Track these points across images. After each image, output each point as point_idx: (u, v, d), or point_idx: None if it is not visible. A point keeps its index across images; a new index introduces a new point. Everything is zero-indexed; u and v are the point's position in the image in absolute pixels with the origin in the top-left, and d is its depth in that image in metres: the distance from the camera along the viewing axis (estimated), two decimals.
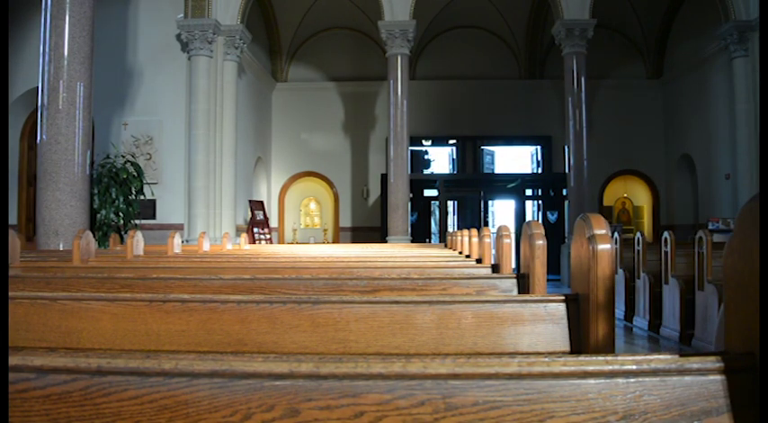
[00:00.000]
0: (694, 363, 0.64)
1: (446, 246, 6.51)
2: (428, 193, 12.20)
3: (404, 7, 9.40)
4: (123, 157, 8.15)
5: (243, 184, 10.13)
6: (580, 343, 1.30)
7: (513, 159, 13.42)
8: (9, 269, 2.32)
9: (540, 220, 11.32)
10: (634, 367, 0.64)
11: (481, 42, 12.56)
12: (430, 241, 12.02)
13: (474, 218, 11.89)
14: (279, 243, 11.65)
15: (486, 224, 11.94)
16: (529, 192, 12.63)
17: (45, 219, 5.85)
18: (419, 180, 11.67)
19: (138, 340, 1.38)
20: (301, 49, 12.56)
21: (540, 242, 1.70)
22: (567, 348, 1.32)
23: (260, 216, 10.36)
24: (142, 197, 8.02)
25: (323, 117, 12.33)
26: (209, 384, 0.65)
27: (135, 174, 7.97)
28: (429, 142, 12.61)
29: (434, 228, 12.73)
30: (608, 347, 1.19)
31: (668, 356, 0.65)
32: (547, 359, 0.65)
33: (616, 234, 6.57)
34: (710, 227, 8.57)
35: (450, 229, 11.59)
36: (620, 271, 6.39)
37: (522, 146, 13.09)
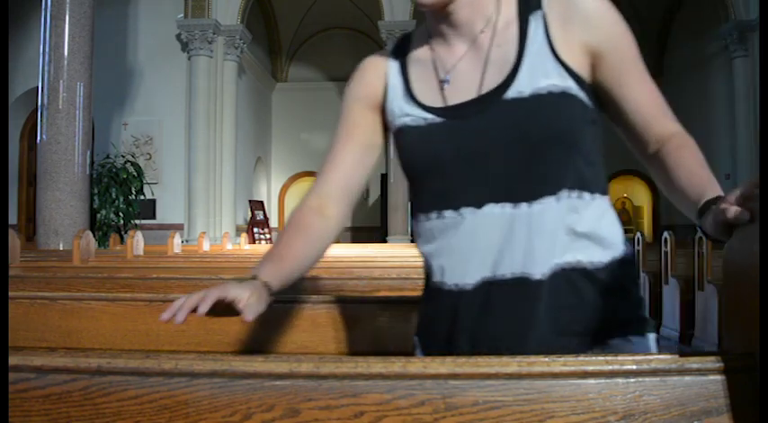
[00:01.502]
0: (694, 363, 0.64)
1: None
2: None
3: (404, 7, 9.40)
4: (123, 157, 8.15)
5: (243, 184, 10.13)
6: None
7: None
8: (9, 269, 2.33)
9: None
10: (634, 367, 0.64)
11: None
12: None
13: None
14: None
15: None
16: None
17: (45, 219, 5.85)
18: None
19: (138, 340, 1.38)
20: (301, 49, 12.56)
21: None
22: None
23: (260, 216, 10.36)
24: (142, 197, 8.02)
25: (323, 117, 12.33)
26: (209, 384, 0.65)
27: (135, 174, 7.97)
28: None
29: None
30: None
31: (668, 356, 0.65)
32: (547, 359, 0.65)
33: None
34: None
35: None
36: None
37: None
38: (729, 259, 0.68)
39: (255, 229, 10.02)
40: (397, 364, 0.65)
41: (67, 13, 5.96)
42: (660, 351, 0.76)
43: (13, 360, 0.66)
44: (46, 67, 5.96)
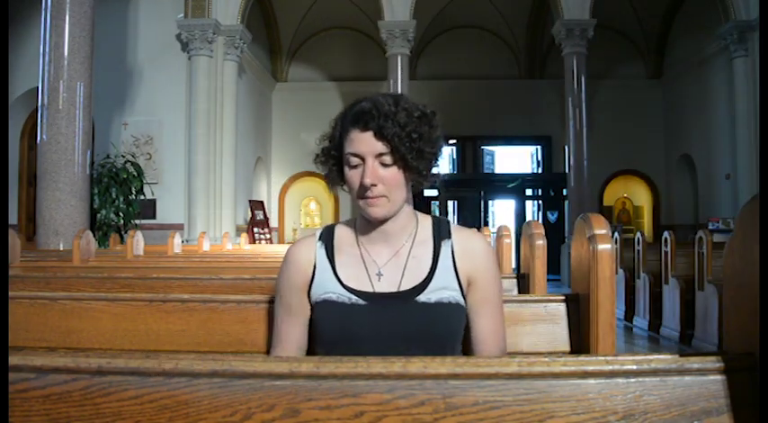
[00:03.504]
0: (694, 363, 0.64)
1: None
2: (428, 193, 12.20)
3: (404, 7, 9.39)
4: (123, 156, 8.14)
5: (243, 184, 10.12)
6: (580, 343, 1.30)
7: (513, 159, 13.42)
8: (9, 269, 2.32)
9: (540, 220, 11.31)
10: (634, 367, 0.64)
11: (481, 42, 12.55)
12: None
13: (474, 218, 11.89)
14: (279, 243, 11.65)
15: (486, 224, 11.95)
16: (529, 192, 12.62)
17: (45, 218, 5.85)
18: None
19: (138, 340, 1.38)
20: (301, 49, 12.55)
21: (540, 242, 1.70)
22: (567, 348, 1.32)
23: (260, 216, 10.35)
24: (142, 197, 8.01)
25: (323, 117, 12.07)
26: (209, 384, 0.65)
27: (135, 174, 7.97)
28: None
29: None
30: (608, 347, 1.19)
31: (668, 356, 0.65)
32: (547, 359, 0.65)
33: (616, 234, 6.58)
34: (710, 227, 8.57)
35: None
36: (620, 271, 6.40)
37: (522, 146, 13.09)
38: (729, 259, 0.68)
39: (255, 229, 10.01)
40: (397, 364, 0.65)
41: (67, 13, 5.96)
42: (660, 351, 0.76)
43: (13, 360, 0.66)
44: (46, 67, 5.96)
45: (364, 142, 1.09)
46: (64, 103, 5.91)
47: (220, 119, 8.99)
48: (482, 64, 12.48)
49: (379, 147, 1.08)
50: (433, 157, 1.15)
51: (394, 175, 1.10)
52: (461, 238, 1.19)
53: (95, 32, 6.29)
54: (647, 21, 11.78)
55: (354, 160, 1.10)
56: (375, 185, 1.08)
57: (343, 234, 1.22)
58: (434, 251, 1.17)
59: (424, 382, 0.64)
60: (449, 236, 1.19)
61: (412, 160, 1.09)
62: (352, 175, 1.11)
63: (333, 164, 1.17)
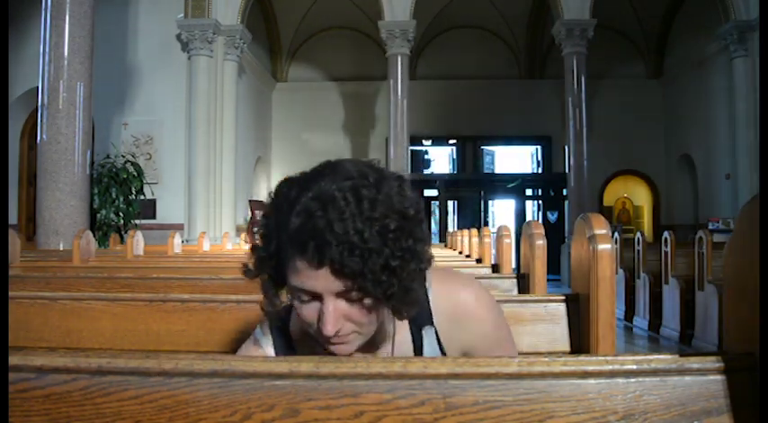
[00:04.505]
0: (694, 363, 0.64)
1: (446, 245, 6.52)
2: (428, 193, 12.21)
3: (404, 7, 9.39)
4: (123, 157, 8.15)
5: (243, 184, 10.13)
6: (580, 343, 1.30)
7: (513, 159, 13.42)
8: (9, 269, 2.32)
9: (540, 220, 11.31)
10: (634, 367, 0.64)
11: (481, 42, 12.56)
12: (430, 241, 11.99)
13: (474, 218, 11.90)
14: None
15: (486, 224, 11.95)
16: (529, 192, 12.63)
17: (45, 218, 5.85)
18: (419, 180, 11.66)
19: (138, 340, 1.38)
20: (301, 48, 12.56)
21: (540, 242, 1.70)
22: (567, 348, 1.32)
23: (260, 216, 10.35)
24: (142, 197, 8.02)
25: (323, 117, 12.32)
26: (209, 384, 0.65)
27: (135, 174, 7.97)
28: (429, 142, 12.61)
29: (434, 228, 12.73)
30: (608, 347, 1.19)
31: (668, 356, 0.65)
32: (547, 359, 0.65)
33: (616, 234, 6.57)
34: (710, 227, 8.57)
35: (450, 229, 11.59)
36: (620, 271, 6.39)
37: (522, 146, 13.09)
38: (729, 259, 0.68)
39: (255, 229, 10.00)
40: (397, 364, 0.65)
41: (67, 13, 5.96)
42: (660, 351, 0.76)
43: (13, 360, 0.66)
44: (46, 67, 5.95)
45: (318, 279, 0.76)
46: (64, 103, 5.91)
47: (220, 119, 9.00)
48: (482, 64, 12.48)
49: (340, 285, 0.76)
50: (422, 270, 0.82)
51: (365, 311, 0.80)
52: (443, 307, 0.94)
53: (95, 32, 6.29)
54: (647, 21, 11.78)
55: (305, 297, 0.80)
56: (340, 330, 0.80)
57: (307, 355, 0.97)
58: (415, 345, 0.93)
59: (424, 381, 0.64)
60: (430, 321, 0.93)
61: (391, 300, 0.78)
62: (305, 311, 0.81)
63: (269, 272, 0.88)
